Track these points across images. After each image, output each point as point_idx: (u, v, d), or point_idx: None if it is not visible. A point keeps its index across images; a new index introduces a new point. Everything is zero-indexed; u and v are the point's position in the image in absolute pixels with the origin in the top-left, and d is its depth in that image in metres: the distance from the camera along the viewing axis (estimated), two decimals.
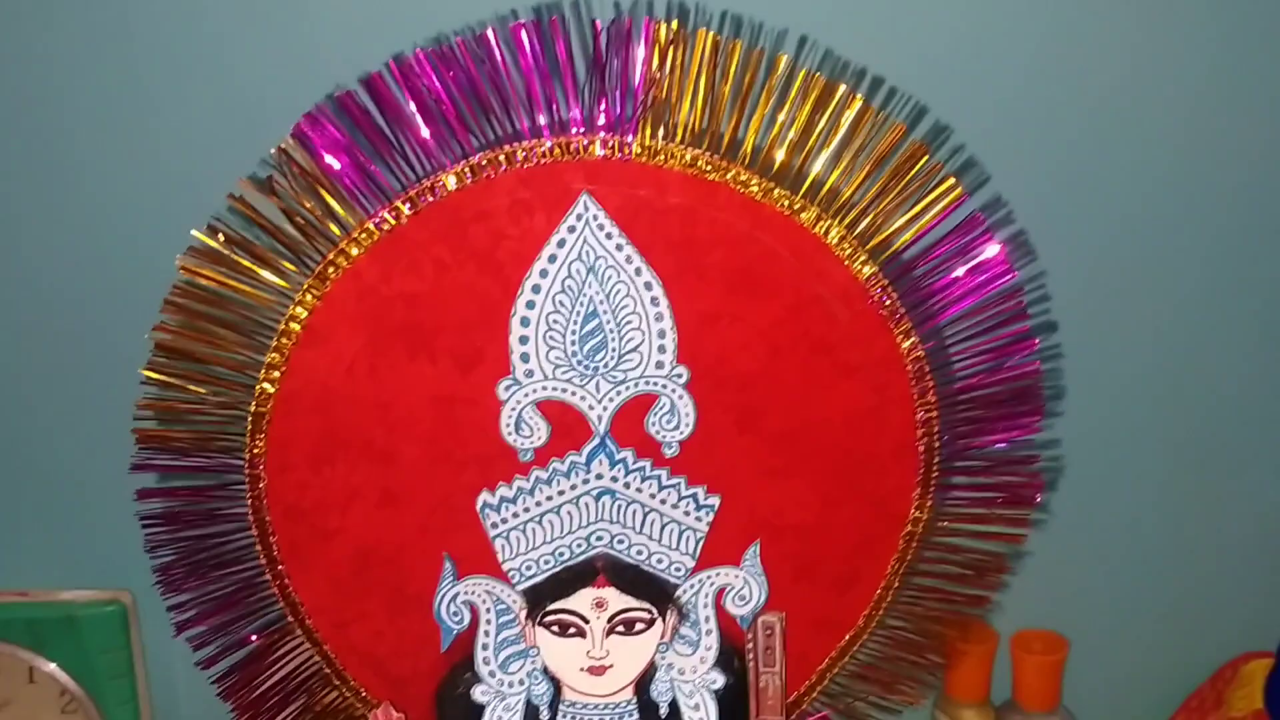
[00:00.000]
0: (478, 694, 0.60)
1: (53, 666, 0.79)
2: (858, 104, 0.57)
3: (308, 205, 0.57)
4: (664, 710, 0.61)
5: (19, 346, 0.74)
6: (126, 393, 0.67)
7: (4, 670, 0.79)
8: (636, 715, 0.61)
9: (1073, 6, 0.67)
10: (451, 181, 0.57)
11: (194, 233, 0.58)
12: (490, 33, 0.55)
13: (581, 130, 0.56)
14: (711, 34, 0.56)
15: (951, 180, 0.58)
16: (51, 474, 0.78)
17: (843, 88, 0.57)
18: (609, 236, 0.57)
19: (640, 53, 0.56)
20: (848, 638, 0.65)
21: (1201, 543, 0.82)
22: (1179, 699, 0.83)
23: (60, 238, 0.69)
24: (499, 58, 0.56)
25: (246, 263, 0.58)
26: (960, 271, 0.60)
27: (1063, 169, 0.68)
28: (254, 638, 0.63)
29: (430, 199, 0.57)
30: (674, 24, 0.56)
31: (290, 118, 0.57)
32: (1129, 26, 0.67)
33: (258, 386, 0.59)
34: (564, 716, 0.61)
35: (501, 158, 0.56)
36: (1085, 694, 0.81)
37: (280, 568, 0.61)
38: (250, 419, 0.59)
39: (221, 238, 0.58)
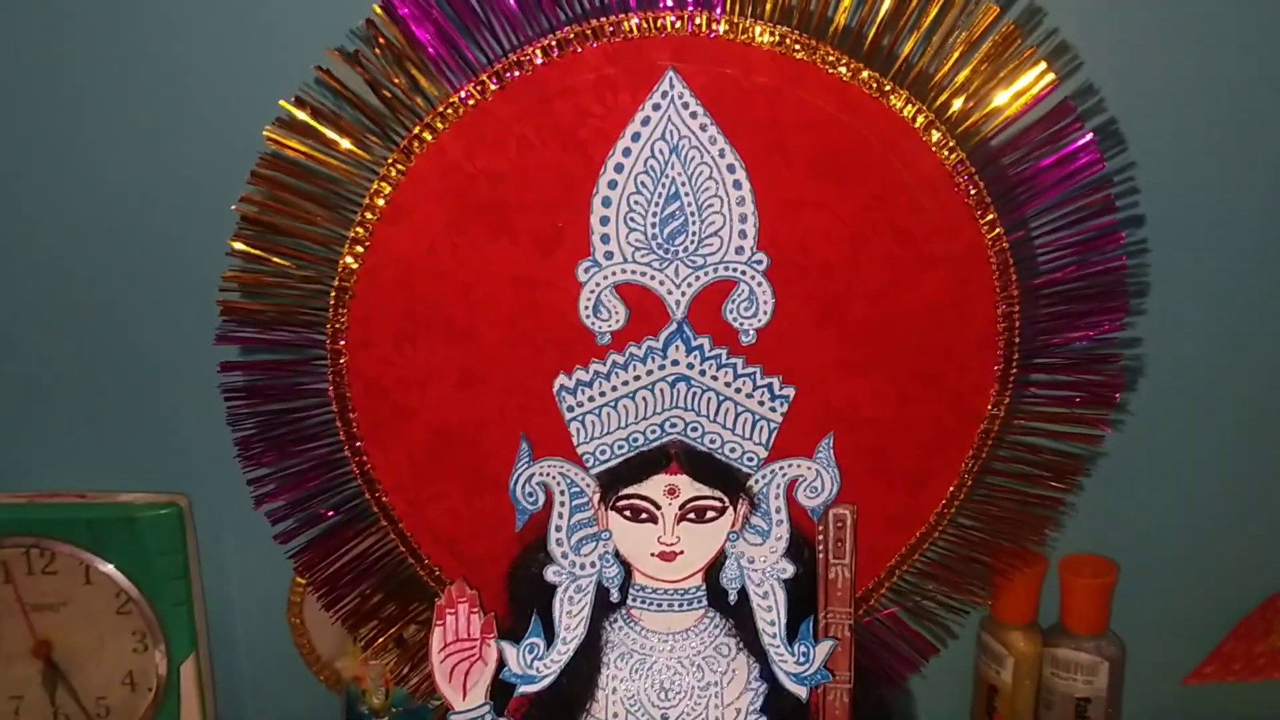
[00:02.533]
0: (550, 574, 0.61)
1: (110, 567, 0.80)
2: None
3: (394, 79, 0.57)
4: (733, 597, 0.61)
5: (77, 252, 0.75)
6: (190, 297, 0.68)
7: (62, 570, 0.80)
8: (705, 601, 0.62)
9: None
10: (538, 56, 0.56)
11: (281, 103, 0.58)
12: None
13: (669, 5, 0.56)
14: None
15: (1043, 65, 0.57)
16: (112, 378, 0.80)
17: None
18: (694, 116, 0.57)
19: None
20: (918, 534, 0.65)
21: (1261, 467, 0.80)
22: (1228, 626, 0.82)
23: (141, 112, 0.70)
24: None
25: (332, 135, 0.58)
26: (1048, 161, 0.59)
27: (1156, 56, 0.67)
28: (331, 514, 0.64)
29: (516, 74, 0.57)
30: None
31: None
32: None
33: (341, 261, 0.59)
34: (634, 600, 0.61)
35: (588, 32, 0.56)
36: (1134, 620, 0.80)
37: (359, 445, 0.62)
38: (333, 293, 0.59)
39: (308, 110, 0.58)
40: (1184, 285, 0.71)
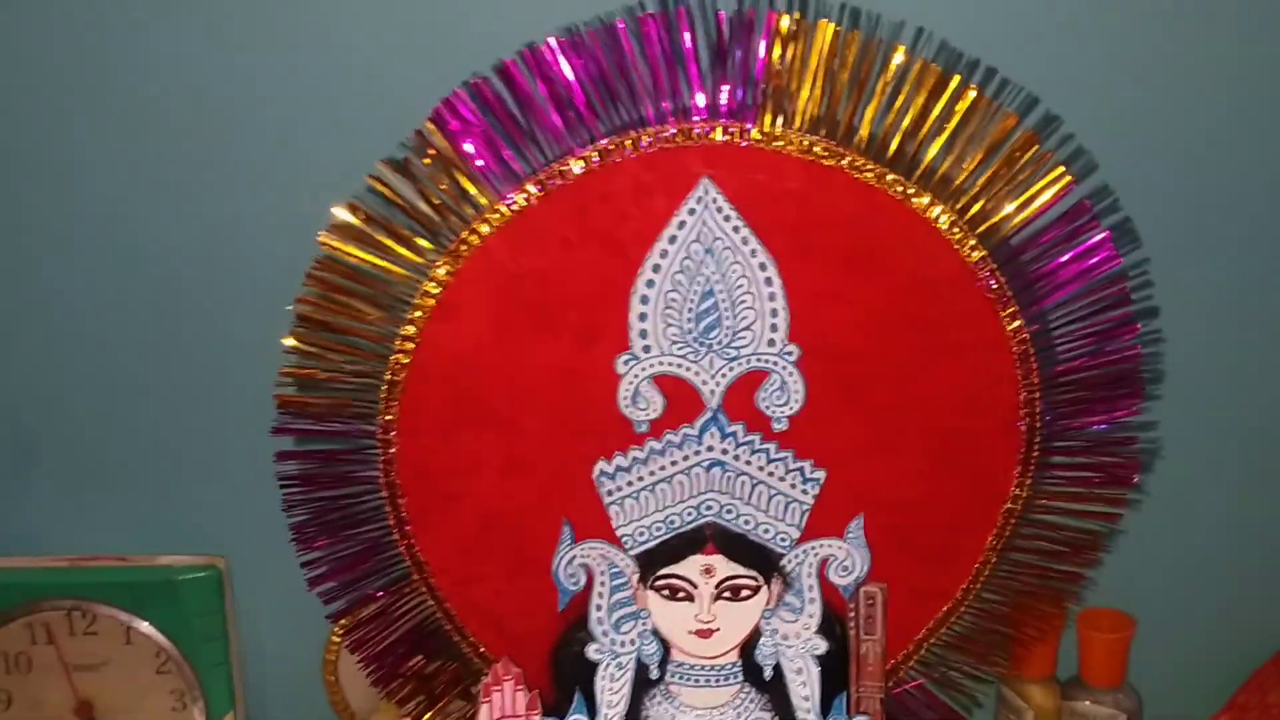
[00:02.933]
0: (591, 652, 0.63)
1: (150, 628, 0.81)
2: (971, 94, 0.59)
3: (443, 186, 0.60)
4: (768, 673, 0.63)
5: (123, 318, 0.77)
6: (235, 367, 0.71)
7: (103, 631, 0.81)
8: (741, 677, 0.63)
9: None
10: (579, 165, 0.59)
11: (335, 210, 0.61)
12: (620, 24, 0.58)
13: (703, 117, 0.59)
14: (831, 25, 0.58)
15: (1060, 169, 0.60)
16: (153, 444, 0.81)
17: (957, 78, 0.59)
18: (727, 219, 0.60)
19: (762, 43, 0.58)
20: (945, 609, 0.67)
21: (1272, 525, 0.82)
22: (1241, 678, 0.83)
23: (207, 215, 0.72)
24: (627, 47, 0.58)
25: (384, 240, 0.61)
26: (1066, 257, 0.61)
27: (1169, 158, 0.69)
28: (380, 594, 0.66)
29: (558, 181, 0.60)
30: (795, 15, 0.58)
31: (429, 103, 0.60)
32: (1238, 15, 0.68)
33: (392, 357, 0.62)
34: (672, 676, 0.63)
35: (627, 143, 0.59)
36: (1150, 672, 0.81)
37: (408, 528, 0.65)
38: (384, 387, 0.62)
39: (362, 216, 0.61)
40: (1198, 372, 0.73)
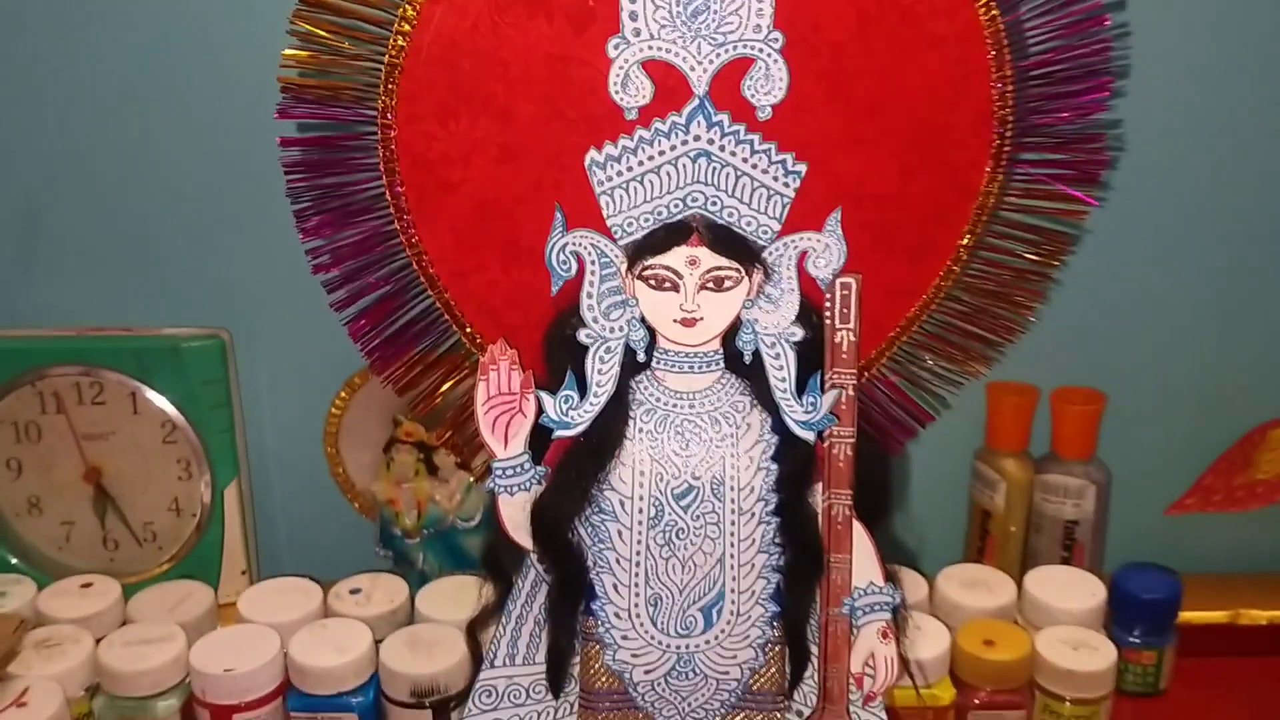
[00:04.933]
0: (582, 336, 0.66)
1: (156, 397, 0.84)
2: None
3: None
4: (748, 358, 0.66)
5: (120, 92, 0.78)
6: (236, 126, 0.71)
7: (111, 400, 0.85)
8: (722, 363, 0.67)
9: None
10: None
11: None
12: None
13: None
14: None
15: None
16: (157, 218, 0.84)
17: None
18: None
19: None
20: (917, 306, 0.70)
21: (1244, 299, 0.85)
22: (1209, 460, 0.88)
23: None
24: None
25: None
26: None
27: None
28: (381, 283, 0.69)
29: None
30: None
31: None
32: None
33: (391, 39, 0.64)
34: (658, 362, 0.66)
35: None
36: (1120, 453, 0.85)
37: (407, 217, 0.67)
38: (383, 70, 0.64)
39: None
40: (1166, 67, 0.75)
